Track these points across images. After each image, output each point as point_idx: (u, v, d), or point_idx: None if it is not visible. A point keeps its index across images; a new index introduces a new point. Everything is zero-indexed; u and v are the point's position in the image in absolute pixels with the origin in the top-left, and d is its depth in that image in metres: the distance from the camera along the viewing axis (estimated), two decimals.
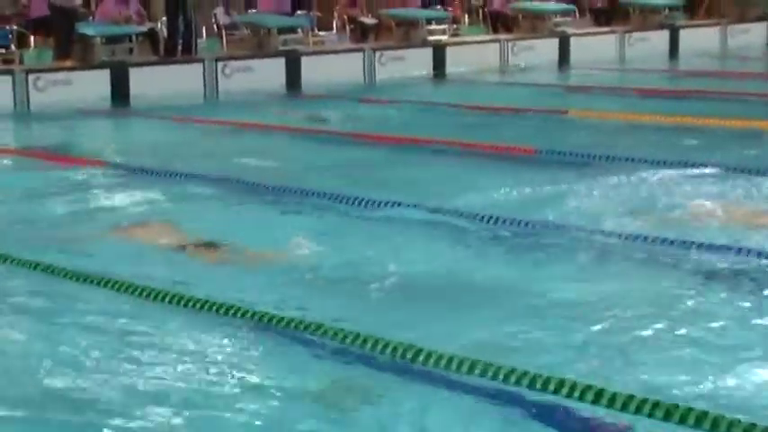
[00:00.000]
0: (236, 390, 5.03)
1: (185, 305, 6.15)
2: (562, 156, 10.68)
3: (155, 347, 5.57)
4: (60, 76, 16.68)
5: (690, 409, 4.36)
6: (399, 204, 8.53)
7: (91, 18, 18.92)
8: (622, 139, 12.04)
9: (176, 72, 17.62)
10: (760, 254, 6.88)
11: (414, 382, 5.07)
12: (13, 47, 18.03)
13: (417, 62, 20.17)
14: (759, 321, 5.87)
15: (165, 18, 19.06)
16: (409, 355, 5.18)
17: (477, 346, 5.36)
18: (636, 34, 23.31)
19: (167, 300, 6.23)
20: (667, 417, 4.38)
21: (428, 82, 19.52)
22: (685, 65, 22.01)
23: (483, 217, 8.03)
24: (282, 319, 5.79)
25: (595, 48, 22.21)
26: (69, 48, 17.50)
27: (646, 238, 7.32)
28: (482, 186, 9.30)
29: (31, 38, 18.64)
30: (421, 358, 5.12)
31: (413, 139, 12.22)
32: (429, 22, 21.49)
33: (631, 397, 4.50)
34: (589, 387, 4.63)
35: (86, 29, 17.74)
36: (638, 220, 7.94)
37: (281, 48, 19.26)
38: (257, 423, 4.71)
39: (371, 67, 19.72)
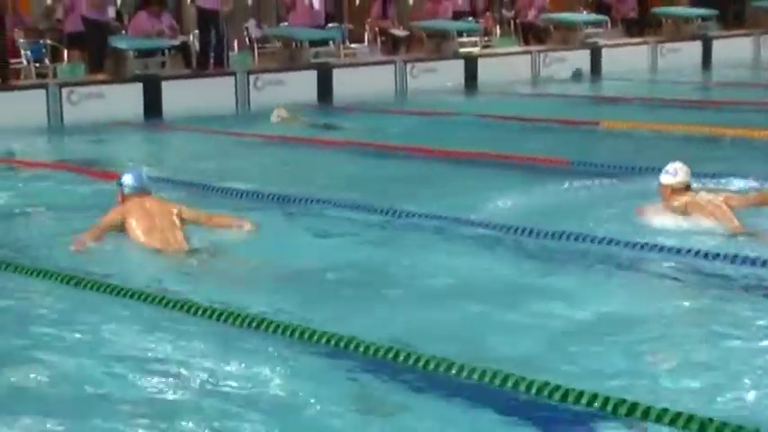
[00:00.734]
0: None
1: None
2: (594, 167, 10.64)
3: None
4: (93, 89, 16.77)
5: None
6: (432, 216, 8.55)
7: (124, 32, 19.04)
8: (654, 150, 11.98)
9: (208, 85, 17.67)
10: None
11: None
12: (47, 61, 18.17)
13: (449, 74, 20.17)
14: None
15: (197, 31, 19.15)
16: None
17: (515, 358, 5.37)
18: (668, 45, 23.20)
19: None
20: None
21: (460, 94, 19.50)
22: (718, 76, 21.88)
23: (516, 229, 8.05)
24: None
25: (627, 59, 22.13)
26: (102, 61, 17.60)
27: (679, 251, 7.32)
28: (513, 197, 9.30)
29: (65, 52, 18.76)
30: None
31: (444, 151, 12.21)
32: (460, 34, 21.45)
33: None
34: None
35: (119, 43, 17.84)
36: (669, 231, 7.91)
37: (313, 60, 19.29)
38: None
39: (403, 79, 19.73)
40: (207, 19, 18.32)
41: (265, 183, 10.50)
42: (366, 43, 22.21)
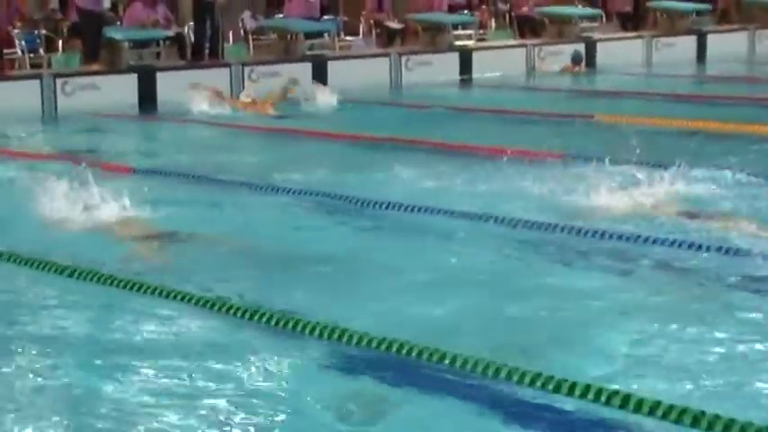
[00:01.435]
0: None
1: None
2: (588, 161, 10.62)
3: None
4: (88, 80, 16.77)
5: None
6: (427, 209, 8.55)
7: (119, 22, 19.02)
8: (648, 144, 11.95)
9: (203, 76, 17.67)
10: None
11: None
12: (41, 51, 18.14)
13: (444, 67, 20.17)
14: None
15: (192, 23, 19.15)
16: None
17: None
18: (663, 39, 23.22)
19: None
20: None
21: (454, 86, 19.49)
22: (712, 70, 21.89)
23: (510, 221, 8.06)
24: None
25: (622, 52, 22.15)
26: (97, 52, 17.58)
27: (672, 243, 7.33)
28: (508, 190, 9.30)
29: (60, 42, 18.74)
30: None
31: (439, 143, 12.21)
32: (455, 26, 21.48)
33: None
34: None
35: (114, 33, 17.83)
36: (666, 224, 7.93)
37: (308, 52, 19.29)
38: None
39: (398, 71, 19.73)
40: (202, 10, 18.33)
41: (259, 173, 10.51)
42: (361, 36, 22.22)
